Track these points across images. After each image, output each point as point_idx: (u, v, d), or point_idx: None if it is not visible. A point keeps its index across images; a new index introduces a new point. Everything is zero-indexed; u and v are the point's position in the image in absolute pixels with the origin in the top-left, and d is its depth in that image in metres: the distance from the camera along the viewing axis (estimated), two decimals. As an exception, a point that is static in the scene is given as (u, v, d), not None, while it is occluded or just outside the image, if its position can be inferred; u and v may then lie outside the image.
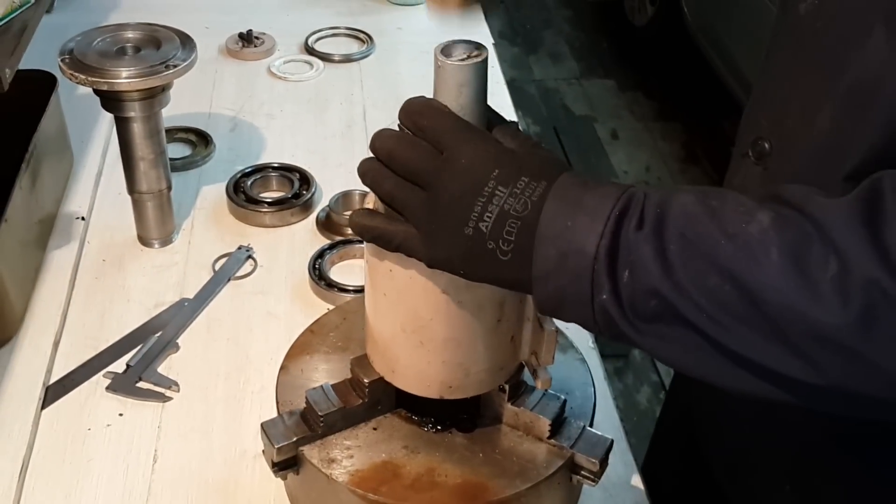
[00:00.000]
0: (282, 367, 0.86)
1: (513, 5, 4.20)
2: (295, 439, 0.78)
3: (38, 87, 1.15)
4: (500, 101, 1.45)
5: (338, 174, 1.25)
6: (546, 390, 0.81)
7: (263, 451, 0.80)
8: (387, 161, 0.65)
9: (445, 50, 0.65)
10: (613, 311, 0.59)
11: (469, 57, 0.65)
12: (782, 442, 0.84)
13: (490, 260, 0.62)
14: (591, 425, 0.83)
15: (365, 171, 0.67)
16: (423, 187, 0.63)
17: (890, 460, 0.75)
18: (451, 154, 0.63)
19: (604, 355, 2.84)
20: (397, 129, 0.67)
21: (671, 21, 3.39)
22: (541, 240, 0.60)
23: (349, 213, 1.16)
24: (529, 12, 4.17)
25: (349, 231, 1.16)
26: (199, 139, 1.32)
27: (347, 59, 1.55)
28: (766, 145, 0.77)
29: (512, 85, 3.49)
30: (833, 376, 0.55)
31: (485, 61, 0.65)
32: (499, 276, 0.64)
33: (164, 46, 1.01)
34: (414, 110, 0.65)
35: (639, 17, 3.75)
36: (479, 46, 0.66)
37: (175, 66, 0.99)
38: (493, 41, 1.65)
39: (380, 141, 0.66)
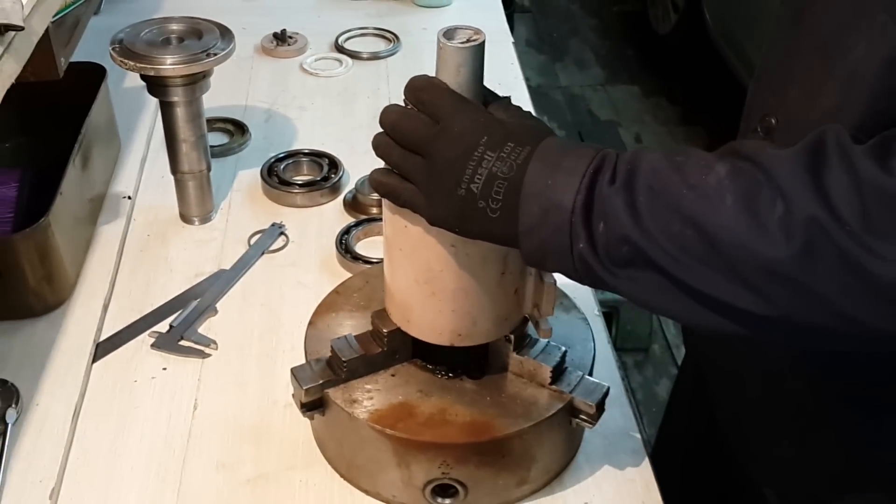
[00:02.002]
0: (310, 323, 0.95)
1: (540, 14, 4.28)
2: (321, 382, 0.86)
3: (90, 77, 1.25)
4: (520, 95, 1.54)
5: (364, 160, 1.34)
6: (548, 341, 0.89)
7: (293, 394, 0.88)
8: (390, 133, 0.74)
9: (448, 33, 0.74)
10: (590, 259, 0.66)
11: (468, 40, 0.74)
12: (781, 401, 0.90)
13: (481, 218, 0.70)
14: (590, 375, 0.91)
15: (376, 143, 0.75)
16: (423, 155, 0.72)
17: (884, 417, 0.81)
18: (446, 124, 0.71)
19: (624, 349, 2.91)
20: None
21: (694, 29, 3.46)
22: (525, 198, 0.68)
23: (375, 194, 1.25)
24: (556, 21, 4.26)
25: (374, 210, 1.25)
26: (237, 129, 1.42)
27: (375, 56, 1.65)
28: (773, 121, 0.82)
29: (538, 91, 3.60)
30: (781, 307, 0.62)
31: (481, 45, 0.74)
32: (490, 232, 0.71)
33: (205, 37, 1.11)
34: (416, 86, 0.74)
35: (663, 26, 3.82)
36: (478, 31, 0.75)
37: (215, 55, 1.09)
38: (513, 40, 1.74)
39: (385, 115, 0.74)
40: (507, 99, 0.77)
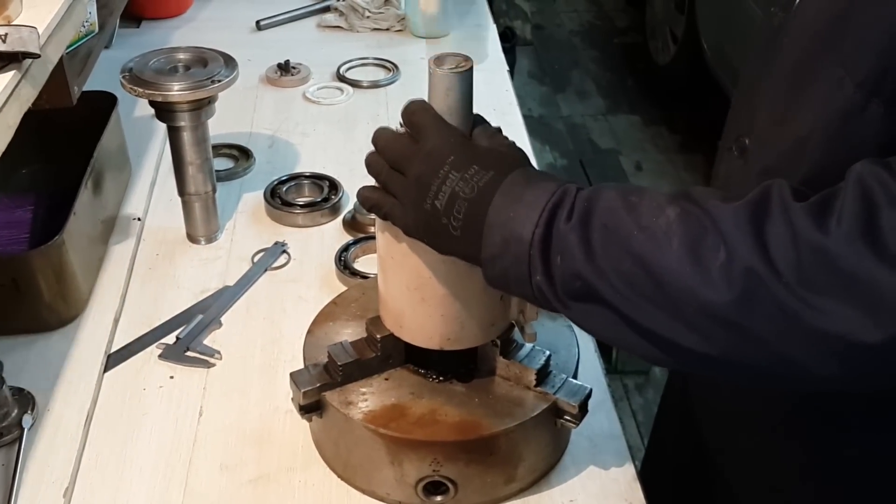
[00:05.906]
0: (308, 331, 1.00)
1: (541, 47, 4.36)
2: (318, 385, 0.92)
3: (101, 105, 1.32)
4: (513, 119, 1.60)
5: (363, 181, 1.38)
6: (534, 346, 0.94)
7: (292, 397, 0.93)
8: (381, 152, 0.80)
9: (438, 60, 0.80)
10: (546, 290, 0.72)
11: (457, 67, 0.79)
12: (754, 415, 0.94)
13: (445, 234, 0.75)
14: (574, 378, 0.95)
15: (368, 162, 0.82)
16: (402, 172, 0.78)
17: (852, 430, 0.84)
18: (422, 143, 0.77)
19: (625, 372, 2.94)
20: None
21: (693, 59, 3.53)
22: (489, 228, 0.73)
23: (372, 214, 1.31)
24: (558, 53, 4.34)
25: (371, 229, 1.30)
26: (241, 154, 1.48)
27: (375, 84, 1.72)
28: (746, 141, 0.87)
29: (540, 121, 3.67)
30: (722, 347, 0.66)
31: (469, 71, 0.79)
32: (454, 249, 0.77)
33: (210, 65, 1.18)
34: (408, 110, 0.80)
35: (662, 56, 3.89)
36: (467, 59, 0.81)
37: (219, 81, 1.15)
38: (507, 69, 1.80)
39: (376, 136, 0.81)
40: (496, 128, 0.82)
